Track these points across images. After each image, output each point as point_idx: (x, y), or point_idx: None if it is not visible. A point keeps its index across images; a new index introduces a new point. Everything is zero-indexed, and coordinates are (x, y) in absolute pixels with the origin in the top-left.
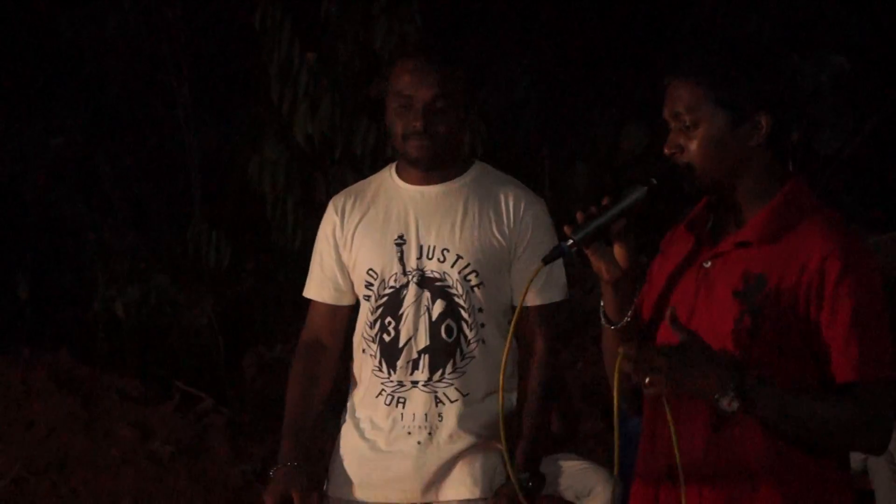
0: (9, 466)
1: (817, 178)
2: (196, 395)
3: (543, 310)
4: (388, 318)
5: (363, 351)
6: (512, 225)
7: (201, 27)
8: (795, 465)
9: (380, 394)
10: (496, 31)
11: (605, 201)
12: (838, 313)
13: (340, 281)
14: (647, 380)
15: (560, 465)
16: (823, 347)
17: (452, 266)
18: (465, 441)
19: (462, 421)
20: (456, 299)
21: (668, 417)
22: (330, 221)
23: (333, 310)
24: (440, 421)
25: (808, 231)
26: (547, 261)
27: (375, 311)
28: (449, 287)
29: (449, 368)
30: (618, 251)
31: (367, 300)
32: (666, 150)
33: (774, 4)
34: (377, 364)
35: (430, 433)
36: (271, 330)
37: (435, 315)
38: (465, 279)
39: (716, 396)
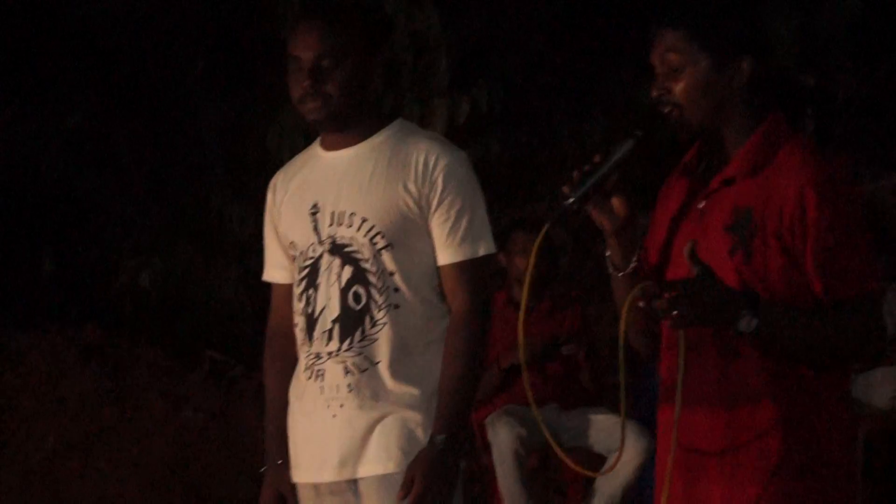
0: (42, 441)
1: (833, 121)
2: (226, 362)
3: (459, 267)
4: (310, 290)
5: (296, 326)
6: (420, 183)
7: None
8: (798, 392)
9: (305, 368)
10: None
11: (596, 158)
12: (820, 236)
13: (285, 259)
14: (673, 312)
15: (589, 419)
16: (813, 271)
17: (359, 230)
18: (376, 412)
19: (373, 391)
20: (363, 264)
21: (681, 346)
22: (267, 202)
23: (287, 289)
24: (349, 392)
25: (785, 162)
26: (552, 221)
27: (299, 285)
28: (355, 252)
29: (358, 336)
30: (616, 203)
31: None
32: (653, 93)
33: None
34: (303, 338)
35: (341, 405)
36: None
37: (343, 282)
38: (371, 242)
39: (734, 319)
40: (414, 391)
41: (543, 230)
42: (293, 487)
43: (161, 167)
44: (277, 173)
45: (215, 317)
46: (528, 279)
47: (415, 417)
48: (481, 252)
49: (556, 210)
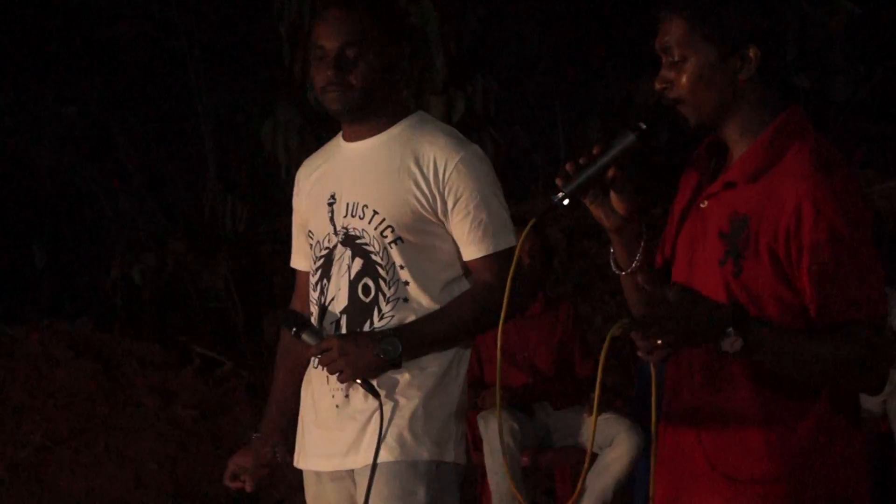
0: (31, 435)
1: (829, 125)
2: (216, 359)
3: (483, 262)
4: (323, 280)
5: (311, 315)
6: (432, 182)
7: None
8: (787, 406)
9: (314, 356)
10: None
11: (595, 150)
12: (816, 258)
13: (308, 248)
14: (657, 343)
15: (583, 417)
16: (807, 291)
17: (370, 222)
18: (378, 403)
19: (377, 382)
20: (373, 256)
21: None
22: (294, 191)
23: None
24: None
25: (790, 167)
26: (540, 215)
27: (315, 274)
28: (366, 244)
29: (366, 328)
30: (615, 199)
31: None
32: (657, 85)
33: None
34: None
35: (346, 395)
36: (288, 292)
37: (353, 274)
38: (381, 235)
39: (718, 337)
40: (418, 384)
41: (530, 224)
42: (260, 465)
43: (155, 161)
44: (303, 163)
45: (206, 313)
46: (511, 272)
47: (416, 408)
48: (503, 245)
49: (547, 204)
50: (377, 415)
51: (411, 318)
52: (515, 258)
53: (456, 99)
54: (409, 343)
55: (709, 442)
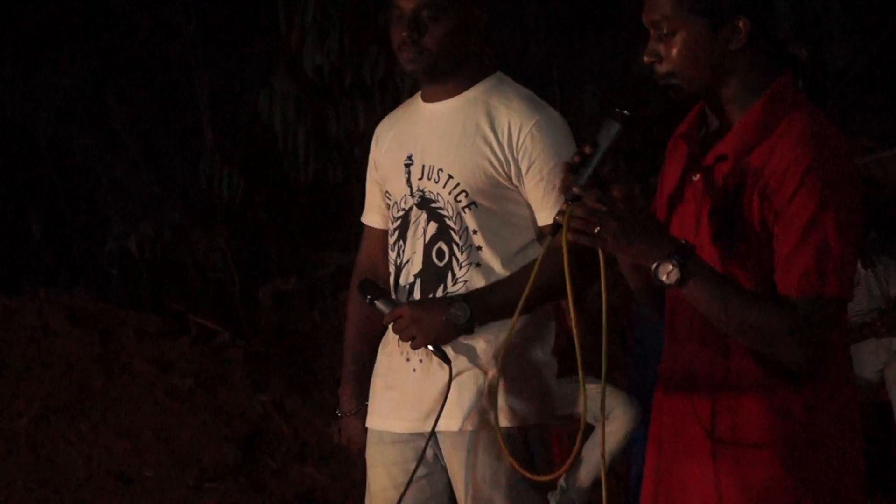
0: (28, 405)
1: (826, 94)
2: (213, 328)
3: None
4: (401, 242)
5: (390, 275)
6: (506, 146)
7: None
8: (781, 374)
9: None
10: None
11: (586, 149)
12: (790, 226)
13: (383, 205)
14: (595, 230)
15: (577, 388)
16: (775, 254)
17: (444, 186)
18: (454, 369)
19: (453, 348)
20: (447, 221)
21: (602, 267)
22: (372, 148)
23: (383, 234)
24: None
25: (781, 138)
26: (553, 225)
27: (392, 235)
28: (440, 208)
29: (440, 293)
30: (617, 192)
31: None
32: (645, 59)
33: None
34: (392, 288)
35: (420, 360)
36: (286, 262)
37: (428, 237)
38: (455, 199)
39: (656, 264)
40: (491, 350)
41: (549, 233)
42: (363, 435)
43: (151, 131)
44: (382, 121)
45: (203, 283)
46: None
47: (492, 374)
48: None
49: (552, 227)
50: (455, 382)
51: (483, 283)
52: (539, 261)
53: None
54: (478, 308)
55: (703, 410)
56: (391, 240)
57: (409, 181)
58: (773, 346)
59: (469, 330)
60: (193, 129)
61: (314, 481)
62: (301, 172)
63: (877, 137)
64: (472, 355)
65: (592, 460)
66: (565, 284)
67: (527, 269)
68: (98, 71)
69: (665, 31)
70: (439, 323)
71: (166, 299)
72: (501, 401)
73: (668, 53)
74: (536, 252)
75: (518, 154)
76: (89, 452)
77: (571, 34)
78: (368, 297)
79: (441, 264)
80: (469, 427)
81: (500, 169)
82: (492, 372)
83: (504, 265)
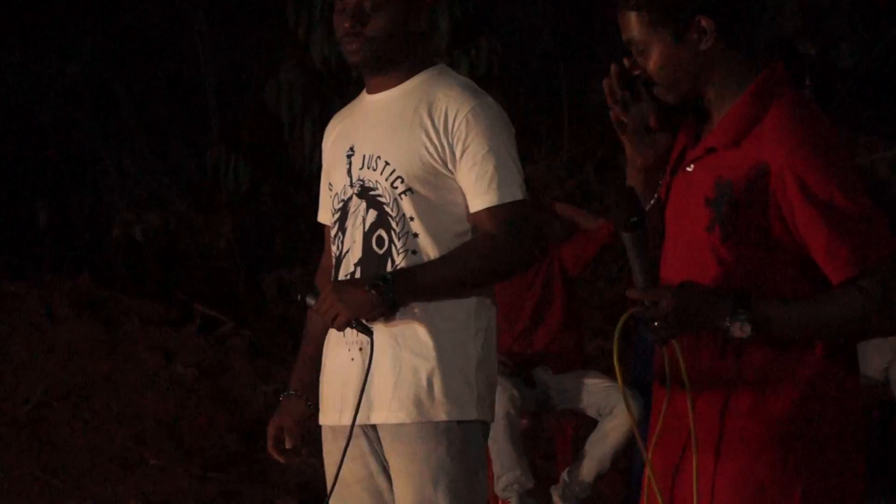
0: (31, 391)
1: (834, 92)
2: (217, 317)
3: (488, 213)
4: (341, 233)
5: (333, 268)
6: (441, 131)
7: None
8: (780, 371)
9: None
10: None
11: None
12: (811, 223)
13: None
14: (655, 324)
15: (582, 382)
16: (813, 253)
17: (381, 173)
18: (392, 359)
19: (392, 337)
20: (385, 208)
21: (679, 356)
22: (322, 145)
23: None
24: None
25: (768, 128)
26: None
27: (333, 227)
28: (379, 195)
29: None
30: (661, 138)
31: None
32: (635, 72)
33: None
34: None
35: (360, 349)
36: (290, 252)
37: (367, 225)
38: (392, 186)
39: (725, 325)
40: (431, 340)
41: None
42: (299, 421)
43: (158, 119)
44: (333, 117)
45: (208, 272)
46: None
47: (431, 366)
48: (508, 198)
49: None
50: (395, 373)
51: None
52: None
53: (460, 61)
54: (401, 283)
55: (702, 406)
56: (332, 232)
57: (349, 171)
58: (867, 329)
59: (392, 307)
60: (200, 117)
61: (316, 471)
62: (306, 162)
63: (885, 136)
64: (409, 347)
65: (595, 455)
66: (491, 269)
67: (457, 252)
68: (106, 57)
69: (640, 48)
70: (359, 297)
71: (171, 288)
72: (439, 393)
73: (648, 68)
74: None
75: (453, 139)
76: (92, 440)
77: (580, 28)
78: (300, 295)
79: (381, 252)
80: (405, 419)
81: (434, 155)
82: (430, 364)
83: (441, 252)
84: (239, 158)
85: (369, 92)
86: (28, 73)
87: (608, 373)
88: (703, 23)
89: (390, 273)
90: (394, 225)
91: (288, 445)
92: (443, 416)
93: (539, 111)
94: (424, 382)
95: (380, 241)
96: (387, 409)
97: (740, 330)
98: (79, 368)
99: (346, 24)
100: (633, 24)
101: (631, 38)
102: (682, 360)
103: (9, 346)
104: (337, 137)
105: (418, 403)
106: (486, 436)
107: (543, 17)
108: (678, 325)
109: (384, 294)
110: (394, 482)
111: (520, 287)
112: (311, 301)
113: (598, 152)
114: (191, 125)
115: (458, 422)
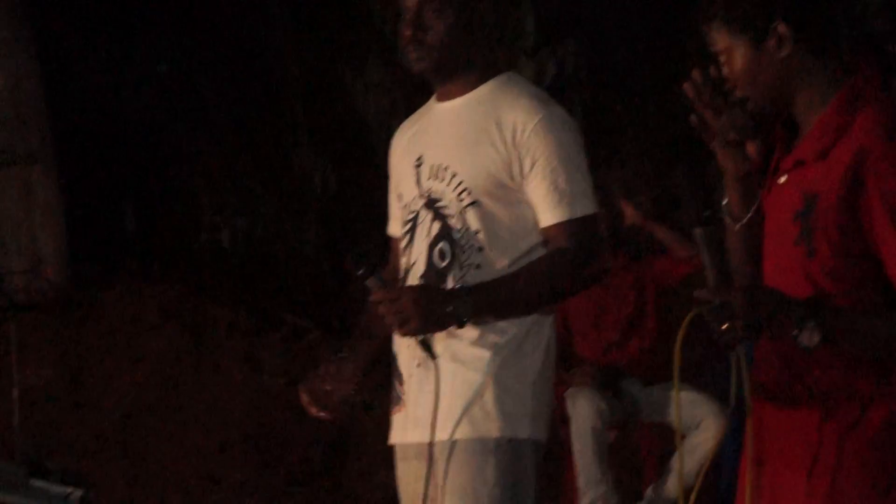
0: (118, 402)
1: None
2: (305, 326)
3: (557, 228)
4: (410, 245)
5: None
6: (510, 144)
7: None
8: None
9: None
10: None
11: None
12: (887, 228)
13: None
14: (723, 326)
15: (670, 395)
16: (886, 267)
17: (448, 184)
18: (452, 376)
19: (451, 353)
20: (449, 220)
21: (743, 370)
22: (390, 154)
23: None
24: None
25: (854, 137)
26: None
27: (403, 239)
28: (444, 207)
29: None
30: (751, 148)
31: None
32: (728, 86)
33: None
34: None
35: (418, 364)
36: (379, 257)
37: (432, 237)
38: (458, 198)
39: (794, 333)
40: (488, 356)
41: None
42: (341, 382)
43: (246, 123)
44: (401, 126)
45: (296, 279)
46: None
47: (486, 382)
48: (579, 213)
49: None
50: (451, 389)
51: None
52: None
53: (546, 62)
54: (479, 303)
55: (798, 424)
56: (402, 244)
57: (418, 182)
58: None
59: (462, 325)
60: (287, 119)
61: None
62: None
63: None
64: (464, 361)
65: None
66: (564, 286)
67: (529, 268)
68: (194, 58)
69: (724, 57)
70: (439, 311)
71: (258, 295)
72: (492, 409)
73: (734, 79)
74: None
75: (521, 151)
76: (177, 450)
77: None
78: (362, 270)
79: (443, 265)
80: (459, 436)
81: (502, 167)
82: (483, 377)
83: (506, 268)
84: (326, 162)
85: (438, 99)
86: (117, 74)
87: (691, 382)
88: (780, 28)
89: (467, 289)
90: (458, 238)
91: (332, 414)
92: (495, 433)
93: (626, 113)
94: (478, 397)
95: (442, 254)
96: (442, 427)
97: (809, 338)
98: (165, 378)
99: (407, 32)
100: (715, 34)
101: (717, 51)
102: (745, 370)
103: (96, 355)
104: (406, 146)
105: (471, 418)
106: (538, 455)
107: (632, 14)
108: (748, 328)
109: (462, 316)
110: (444, 498)
111: (612, 297)
112: (371, 285)
113: (686, 157)
114: (278, 127)
115: (510, 440)
